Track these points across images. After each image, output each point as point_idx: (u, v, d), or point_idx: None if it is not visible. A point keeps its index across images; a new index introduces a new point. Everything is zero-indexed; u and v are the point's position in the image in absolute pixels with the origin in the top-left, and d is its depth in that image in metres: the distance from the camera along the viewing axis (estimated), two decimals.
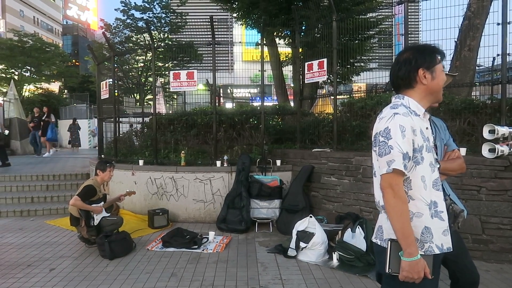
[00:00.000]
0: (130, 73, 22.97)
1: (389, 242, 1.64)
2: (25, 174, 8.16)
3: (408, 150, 1.61)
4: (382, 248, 1.70)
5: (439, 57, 1.76)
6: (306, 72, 6.45)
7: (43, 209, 6.71)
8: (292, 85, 10.60)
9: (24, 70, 29.24)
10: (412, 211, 1.65)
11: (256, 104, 11.27)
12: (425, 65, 1.73)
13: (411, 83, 1.76)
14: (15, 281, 3.77)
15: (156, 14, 23.69)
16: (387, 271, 1.64)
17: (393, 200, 1.61)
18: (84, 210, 4.68)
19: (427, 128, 1.74)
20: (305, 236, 4.41)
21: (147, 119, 8.89)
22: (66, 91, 35.11)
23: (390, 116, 1.65)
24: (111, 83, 7.98)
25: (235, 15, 11.83)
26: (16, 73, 28.85)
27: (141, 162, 6.54)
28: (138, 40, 23.10)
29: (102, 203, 4.91)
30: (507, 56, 4.51)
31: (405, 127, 1.61)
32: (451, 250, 1.70)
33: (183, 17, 22.49)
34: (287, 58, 12.04)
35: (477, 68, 6.77)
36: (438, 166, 2.08)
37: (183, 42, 15.87)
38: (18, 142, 14.35)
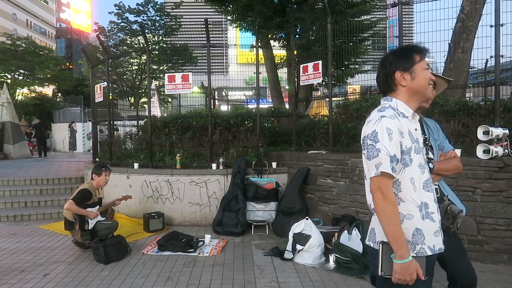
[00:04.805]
0: (125, 76, 22.88)
1: (381, 244, 1.65)
2: (18, 178, 8.08)
3: (395, 153, 1.61)
4: (375, 251, 1.71)
5: (420, 56, 1.76)
6: (301, 74, 6.46)
7: (36, 213, 6.63)
8: (287, 87, 10.61)
9: (17, 73, 29.04)
10: (403, 213, 1.65)
11: (252, 106, 11.26)
12: (401, 67, 1.74)
13: (391, 87, 1.78)
14: (8, 287, 3.72)
15: (151, 17, 23.67)
16: (379, 273, 1.64)
17: (383, 203, 1.62)
18: (79, 214, 4.64)
19: (416, 129, 1.74)
20: (301, 238, 4.40)
21: (142, 122, 8.85)
22: (60, 94, 34.91)
23: (377, 119, 1.66)
24: (105, 86, 7.94)
25: (229, 17, 11.85)
26: (9, 76, 28.63)
27: (136, 165, 6.51)
28: (133, 43, 23.04)
29: (98, 207, 4.86)
30: (500, 58, 4.55)
31: (392, 130, 1.62)
32: (443, 250, 1.70)
33: (178, 19, 22.47)
34: (282, 61, 12.07)
35: (470, 70, 6.81)
36: (432, 166, 2.08)
37: (178, 45, 15.86)
38: (11, 146, 14.23)
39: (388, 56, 1.82)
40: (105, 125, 9.76)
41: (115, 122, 8.77)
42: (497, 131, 3.97)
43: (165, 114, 13.68)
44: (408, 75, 1.73)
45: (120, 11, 23.17)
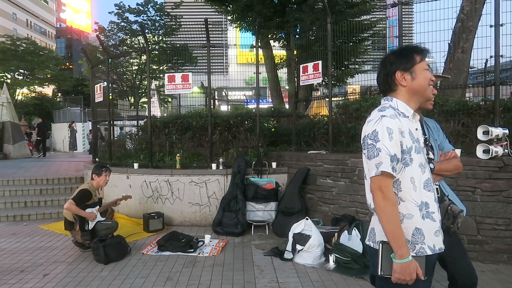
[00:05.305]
0: (125, 76, 22.89)
1: (381, 244, 1.65)
2: (18, 178, 8.07)
3: (396, 152, 1.61)
4: (374, 250, 1.71)
5: (421, 56, 1.76)
6: (301, 74, 6.46)
7: (36, 213, 6.63)
8: (287, 87, 10.61)
9: (17, 73, 29.04)
10: (403, 213, 1.65)
11: (251, 106, 11.26)
12: (402, 67, 1.74)
13: (391, 86, 1.78)
14: (8, 287, 3.72)
15: (151, 17, 23.68)
16: (379, 273, 1.64)
17: (383, 203, 1.62)
18: (78, 215, 4.64)
19: (416, 129, 1.75)
20: (301, 238, 4.40)
21: (141, 122, 8.85)
22: (59, 94, 34.92)
23: (378, 119, 1.66)
24: (105, 86, 7.94)
25: (229, 17, 11.83)
26: (9, 76, 28.63)
27: (136, 165, 6.50)
28: (133, 43, 23.03)
29: (98, 207, 4.86)
30: (500, 58, 4.54)
31: (392, 129, 1.62)
32: (443, 250, 1.70)
33: (178, 19, 22.48)
34: (282, 61, 12.06)
35: (470, 70, 6.81)
36: (433, 166, 2.08)
37: (178, 45, 15.85)
38: (11, 146, 14.23)
39: (388, 56, 1.82)
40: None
41: (102, 123, 8.79)
42: (497, 131, 3.97)
43: (165, 114, 13.68)
44: (409, 75, 1.74)
45: (120, 11, 23.18)
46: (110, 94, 8.19)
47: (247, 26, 11.15)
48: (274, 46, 11.24)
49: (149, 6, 23.36)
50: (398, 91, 1.77)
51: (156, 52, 14.10)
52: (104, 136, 12.49)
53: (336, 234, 4.60)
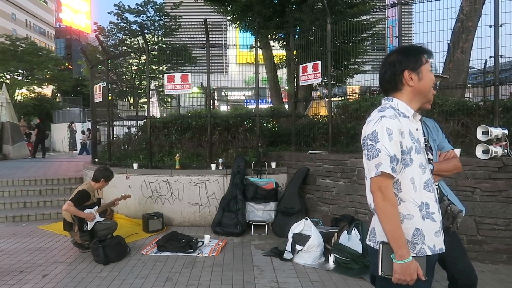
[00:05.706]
0: (124, 76, 22.90)
1: (381, 244, 1.65)
2: (17, 179, 8.06)
3: (395, 153, 1.61)
4: (375, 250, 1.70)
5: (426, 57, 1.76)
6: (300, 74, 6.47)
7: (35, 214, 6.62)
8: (286, 87, 10.62)
9: (16, 74, 29.04)
10: (403, 213, 1.65)
11: (251, 106, 11.27)
12: (410, 67, 1.73)
13: (397, 85, 1.76)
14: None
15: (150, 17, 23.70)
16: (379, 273, 1.64)
17: (383, 203, 1.62)
18: (77, 216, 4.63)
19: (417, 129, 1.74)
20: (301, 238, 4.40)
21: (141, 122, 8.84)
22: (59, 94, 34.90)
23: (377, 119, 1.66)
24: (104, 86, 7.94)
25: (229, 17, 11.84)
26: (8, 77, 28.62)
27: (135, 165, 6.50)
28: (132, 43, 23.04)
29: (96, 207, 4.85)
30: (499, 58, 4.55)
31: (392, 130, 1.62)
32: (444, 251, 1.70)
33: (177, 20, 22.49)
34: (281, 61, 12.06)
35: (469, 70, 6.82)
36: (432, 167, 2.08)
37: (177, 45, 15.85)
38: (10, 147, 14.21)
39: (396, 54, 1.79)
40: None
41: (93, 123, 8.81)
42: (496, 131, 3.97)
43: (164, 115, 13.67)
44: (415, 76, 1.73)
45: (119, 11, 23.20)
46: (110, 94, 8.18)
47: (246, 26, 11.16)
48: (273, 46, 11.25)
49: (148, 7, 23.39)
50: (403, 91, 1.76)
51: (156, 53, 14.08)
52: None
53: (335, 234, 4.60)
